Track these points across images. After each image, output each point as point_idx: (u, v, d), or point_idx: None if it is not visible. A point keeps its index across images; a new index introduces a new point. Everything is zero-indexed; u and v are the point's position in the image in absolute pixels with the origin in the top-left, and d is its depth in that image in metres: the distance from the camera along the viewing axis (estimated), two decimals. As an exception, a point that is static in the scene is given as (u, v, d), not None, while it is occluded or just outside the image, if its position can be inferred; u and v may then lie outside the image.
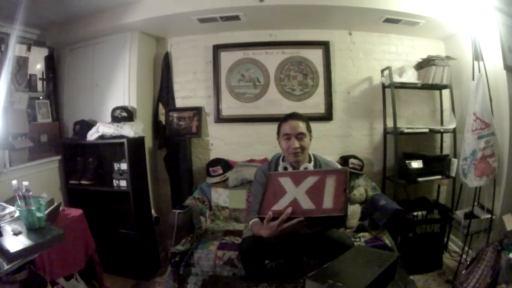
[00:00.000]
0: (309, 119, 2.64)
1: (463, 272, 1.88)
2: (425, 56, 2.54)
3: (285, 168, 1.56)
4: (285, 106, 2.67)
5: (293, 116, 1.58)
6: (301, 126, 1.53)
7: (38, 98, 2.50)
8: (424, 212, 2.22)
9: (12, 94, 2.18)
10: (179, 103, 2.76)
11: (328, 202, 1.21)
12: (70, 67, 2.69)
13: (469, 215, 2.11)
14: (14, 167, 2.04)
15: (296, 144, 1.50)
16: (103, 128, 2.22)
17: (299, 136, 1.52)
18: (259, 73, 2.69)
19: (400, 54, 2.71)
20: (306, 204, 1.23)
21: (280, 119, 1.62)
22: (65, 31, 2.56)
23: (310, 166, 1.56)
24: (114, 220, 2.38)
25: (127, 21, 2.35)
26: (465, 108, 2.28)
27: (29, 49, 2.45)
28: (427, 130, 2.45)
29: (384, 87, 2.62)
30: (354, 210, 2.26)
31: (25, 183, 1.45)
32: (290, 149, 1.52)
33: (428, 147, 2.73)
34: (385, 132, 2.66)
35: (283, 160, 1.62)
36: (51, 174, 2.40)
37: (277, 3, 2.17)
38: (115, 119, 2.27)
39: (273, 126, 2.61)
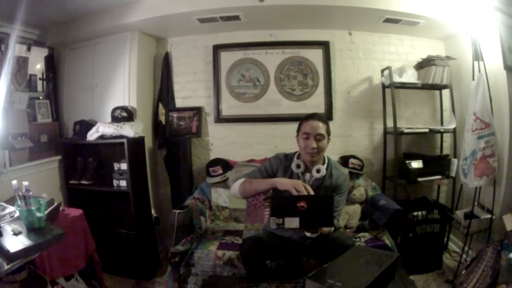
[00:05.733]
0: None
1: (463, 272, 1.88)
2: (425, 56, 2.54)
3: (298, 166, 1.58)
4: (285, 106, 2.67)
5: (315, 116, 1.59)
6: (321, 127, 1.55)
7: (38, 98, 2.51)
8: (424, 212, 2.22)
9: (12, 94, 2.18)
10: (179, 103, 2.76)
11: None
12: (70, 67, 2.69)
13: (469, 215, 2.10)
14: (14, 167, 2.04)
15: (314, 144, 1.52)
16: (103, 128, 2.22)
17: (318, 136, 1.53)
18: (259, 73, 2.69)
19: (400, 54, 2.71)
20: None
21: (302, 118, 1.63)
22: (65, 31, 2.55)
23: (323, 168, 1.57)
24: (114, 220, 2.37)
25: (127, 21, 2.35)
26: (465, 108, 2.28)
27: (29, 49, 2.45)
28: (427, 130, 2.45)
29: (384, 87, 2.62)
30: (354, 210, 2.26)
31: (25, 183, 1.45)
32: (308, 149, 1.53)
33: (428, 147, 2.73)
34: (385, 132, 2.66)
35: (298, 157, 1.63)
36: (51, 174, 2.39)
37: (277, 3, 2.17)
38: (115, 119, 2.27)
39: (273, 126, 2.67)
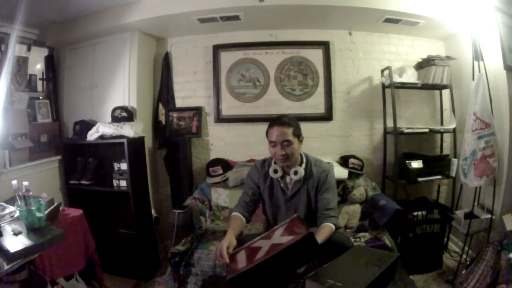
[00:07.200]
0: (309, 119, 2.58)
1: (463, 272, 1.88)
2: (425, 56, 2.54)
3: (275, 171, 1.53)
4: (285, 106, 2.67)
5: (278, 122, 1.49)
6: (287, 132, 1.46)
7: (38, 98, 2.51)
8: (424, 212, 2.22)
9: (12, 94, 2.18)
10: (179, 103, 2.76)
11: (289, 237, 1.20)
12: (70, 67, 2.69)
13: (469, 215, 2.11)
14: (14, 167, 2.04)
15: (281, 151, 1.47)
16: (103, 128, 2.22)
17: (285, 143, 1.46)
18: (259, 73, 2.69)
19: (400, 54, 2.71)
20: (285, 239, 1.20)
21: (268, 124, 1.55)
22: (65, 31, 2.55)
23: (301, 169, 1.52)
24: (114, 220, 2.37)
25: (127, 21, 2.34)
26: (465, 108, 2.28)
27: (29, 49, 2.45)
28: (427, 130, 2.45)
29: (384, 87, 2.62)
30: (354, 210, 2.26)
31: (25, 183, 1.45)
32: (277, 155, 1.49)
33: (428, 147, 2.73)
34: (385, 132, 2.66)
35: (275, 162, 1.57)
36: (51, 174, 2.39)
37: (277, 3, 2.17)
38: (115, 119, 2.27)
39: (273, 126, 2.65)
